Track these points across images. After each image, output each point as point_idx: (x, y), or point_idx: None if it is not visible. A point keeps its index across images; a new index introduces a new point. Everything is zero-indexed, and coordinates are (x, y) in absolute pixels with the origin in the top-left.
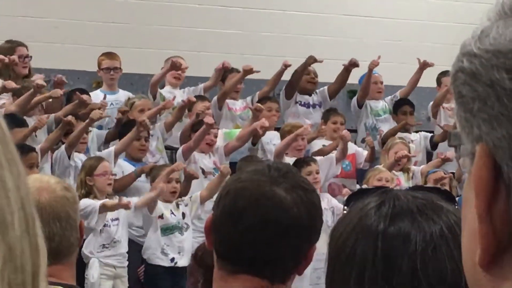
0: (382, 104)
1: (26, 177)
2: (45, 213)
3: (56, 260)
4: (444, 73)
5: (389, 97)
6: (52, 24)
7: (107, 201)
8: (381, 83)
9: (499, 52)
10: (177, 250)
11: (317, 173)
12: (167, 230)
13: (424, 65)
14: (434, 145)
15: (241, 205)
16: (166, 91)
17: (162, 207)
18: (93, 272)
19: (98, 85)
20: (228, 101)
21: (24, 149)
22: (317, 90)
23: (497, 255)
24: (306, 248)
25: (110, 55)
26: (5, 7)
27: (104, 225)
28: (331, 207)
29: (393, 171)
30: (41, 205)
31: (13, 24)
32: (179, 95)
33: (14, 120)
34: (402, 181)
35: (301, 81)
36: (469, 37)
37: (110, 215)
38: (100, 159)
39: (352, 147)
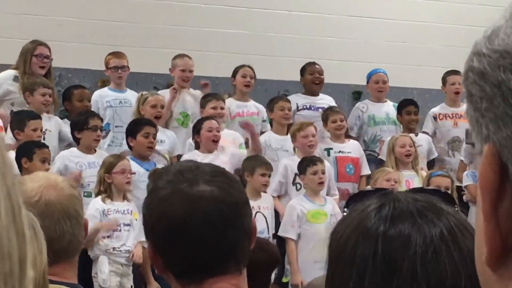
0: (387, 109)
1: (13, 166)
2: (56, 211)
3: (64, 258)
4: (449, 73)
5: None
6: (57, 22)
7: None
8: (384, 82)
9: (506, 52)
10: None
11: (323, 173)
12: None
13: None
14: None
15: (174, 221)
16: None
17: None
18: (104, 268)
19: (104, 84)
20: (237, 102)
21: (38, 144)
22: (329, 99)
23: (503, 254)
24: (244, 224)
25: (117, 54)
26: (9, 5)
27: (114, 230)
28: (335, 214)
29: (405, 172)
30: (51, 203)
31: (17, 22)
32: (191, 97)
33: (29, 113)
34: (415, 184)
35: (306, 82)
36: (481, 36)
37: (122, 220)
38: (119, 157)
39: (358, 150)
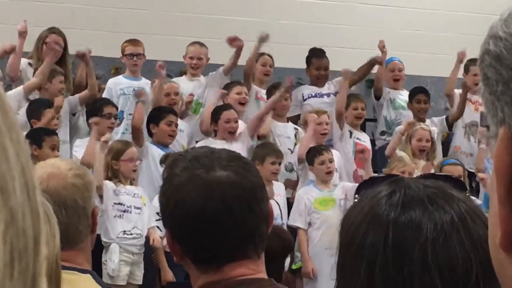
0: (406, 98)
1: (26, 144)
2: (50, 200)
3: (66, 246)
4: (472, 61)
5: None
6: (70, 10)
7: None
8: (399, 70)
9: None
10: None
11: (330, 161)
12: None
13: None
14: (450, 125)
15: (192, 208)
16: (185, 80)
17: None
18: (114, 257)
19: (117, 71)
20: (257, 88)
21: (48, 131)
22: (333, 80)
23: None
24: (261, 208)
25: (133, 42)
26: None
27: (125, 211)
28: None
29: (422, 161)
30: (48, 192)
31: (31, 10)
32: (199, 84)
33: (45, 102)
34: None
35: (311, 75)
36: (497, 19)
37: (132, 203)
38: (128, 144)
39: (369, 144)
